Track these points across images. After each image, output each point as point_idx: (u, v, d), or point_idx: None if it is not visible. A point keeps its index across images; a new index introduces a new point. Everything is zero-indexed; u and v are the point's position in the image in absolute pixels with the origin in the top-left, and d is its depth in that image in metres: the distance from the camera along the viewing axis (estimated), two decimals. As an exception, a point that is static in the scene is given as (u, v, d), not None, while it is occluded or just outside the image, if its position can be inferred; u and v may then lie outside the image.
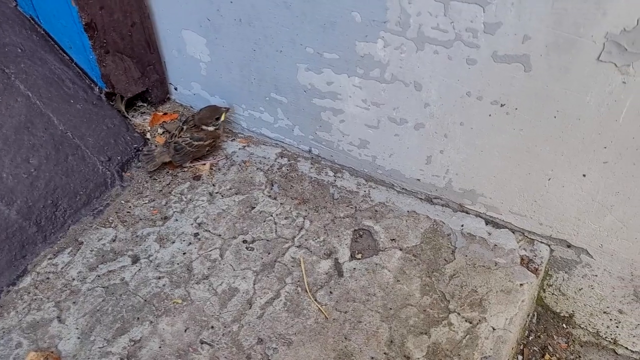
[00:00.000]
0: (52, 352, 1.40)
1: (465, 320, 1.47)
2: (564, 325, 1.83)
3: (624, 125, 1.28)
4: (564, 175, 1.46)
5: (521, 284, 1.55)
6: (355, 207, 1.77)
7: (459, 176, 1.65)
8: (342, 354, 1.39)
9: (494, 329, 1.46)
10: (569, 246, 1.60)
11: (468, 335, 1.44)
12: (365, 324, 1.46)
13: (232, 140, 2.05)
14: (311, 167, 1.91)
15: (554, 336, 1.81)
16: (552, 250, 1.64)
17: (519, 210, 1.62)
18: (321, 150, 1.90)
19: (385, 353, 1.39)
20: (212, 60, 1.92)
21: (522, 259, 1.62)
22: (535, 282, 1.58)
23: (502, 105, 1.42)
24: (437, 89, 1.49)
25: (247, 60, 1.82)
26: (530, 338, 1.80)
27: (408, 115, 1.60)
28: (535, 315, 1.84)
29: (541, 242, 1.64)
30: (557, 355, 1.76)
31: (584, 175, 1.43)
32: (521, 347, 1.77)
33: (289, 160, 1.95)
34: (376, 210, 1.76)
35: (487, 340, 1.43)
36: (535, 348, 1.78)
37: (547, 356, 1.75)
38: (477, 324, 1.46)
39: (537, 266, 1.61)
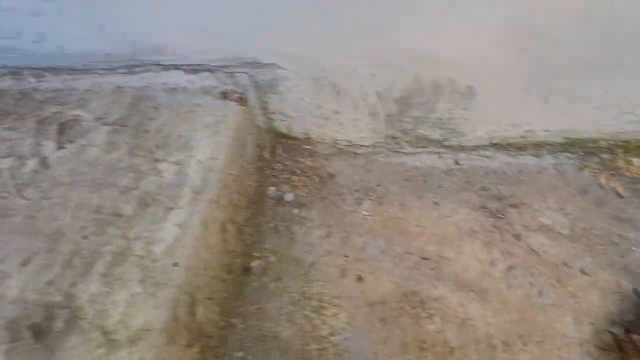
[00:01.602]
0: None
1: (174, 164, 1.51)
2: (305, 146, 1.94)
3: None
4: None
5: (224, 115, 1.61)
6: (62, 102, 1.71)
7: (143, 35, 1.63)
8: (54, 233, 1.38)
9: (201, 161, 1.51)
10: (262, 67, 1.66)
11: (177, 176, 1.48)
12: (74, 202, 1.45)
13: None
14: (13, 82, 1.80)
15: (300, 159, 1.92)
16: (251, 76, 1.68)
17: (208, 49, 1.63)
18: (13, 60, 1.79)
19: (95, 219, 1.40)
20: None
21: (224, 93, 1.66)
22: (240, 109, 1.64)
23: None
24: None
25: None
26: (279, 167, 1.89)
27: (55, -13, 1.53)
28: (281, 146, 1.94)
29: (239, 73, 1.69)
30: (305, 174, 1.87)
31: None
32: (271, 180, 1.86)
33: (-11, 83, 1.82)
34: (83, 98, 1.71)
35: (197, 173, 1.49)
36: (284, 176, 1.88)
37: (294, 177, 1.86)
38: (185, 163, 1.51)
39: (240, 95, 1.66)
